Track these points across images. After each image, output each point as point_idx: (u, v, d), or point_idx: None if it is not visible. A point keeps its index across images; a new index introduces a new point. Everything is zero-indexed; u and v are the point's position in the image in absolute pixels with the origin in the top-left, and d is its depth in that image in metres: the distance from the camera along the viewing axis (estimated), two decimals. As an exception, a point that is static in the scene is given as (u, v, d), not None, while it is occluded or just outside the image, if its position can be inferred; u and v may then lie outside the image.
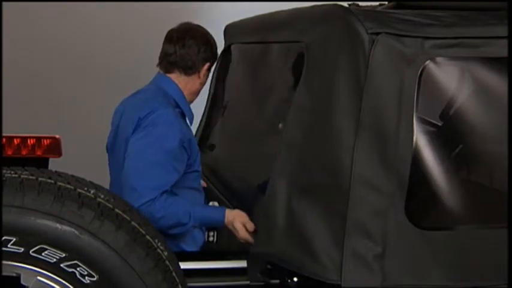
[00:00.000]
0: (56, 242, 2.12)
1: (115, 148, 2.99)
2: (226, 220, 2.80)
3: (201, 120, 3.66)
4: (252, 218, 2.75)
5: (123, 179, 2.77)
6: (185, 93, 2.99)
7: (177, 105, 2.95)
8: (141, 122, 2.82)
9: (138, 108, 2.88)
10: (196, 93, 3.05)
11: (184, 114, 2.98)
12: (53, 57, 4.36)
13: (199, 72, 2.99)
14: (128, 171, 2.77)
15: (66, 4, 4.31)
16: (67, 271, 2.14)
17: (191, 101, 3.04)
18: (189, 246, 2.92)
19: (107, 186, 2.33)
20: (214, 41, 3.05)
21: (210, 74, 3.10)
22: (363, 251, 2.33)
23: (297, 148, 2.49)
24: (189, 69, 2.97)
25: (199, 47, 2.97)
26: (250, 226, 2.75)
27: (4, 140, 2.60)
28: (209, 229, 3.29)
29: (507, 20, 2.43)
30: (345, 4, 2.58)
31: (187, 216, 2.77)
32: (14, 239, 2.11)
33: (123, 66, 4.34)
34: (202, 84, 3.04)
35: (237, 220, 2.77)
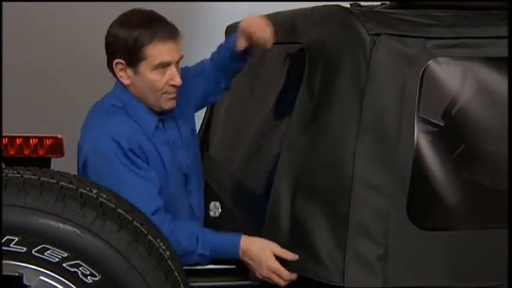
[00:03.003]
0: (59, 242, 2.12)
1: None
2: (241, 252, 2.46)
3: (202, 123, 3.66)
4: (256, 222, 2.72)
5: None
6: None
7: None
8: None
9: None
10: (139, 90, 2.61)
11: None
12: (54, 58, 4.36)
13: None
14: None
15: (66, 4, 4.31)
16: (69, 271, 2.14)
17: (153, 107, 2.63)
18: None
19: (108, 185, 2.33)
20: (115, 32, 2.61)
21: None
22: (365, 253, 2.33)
23: (299, 150, 2.49)
24: None
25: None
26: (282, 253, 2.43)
27: (6, 139, 2.60)
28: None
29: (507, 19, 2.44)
30: (347, 4, 2.58)
31: (193, 242, 2.46)
32: (17, 239, 2.11)
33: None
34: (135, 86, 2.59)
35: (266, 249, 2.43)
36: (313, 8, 2.66)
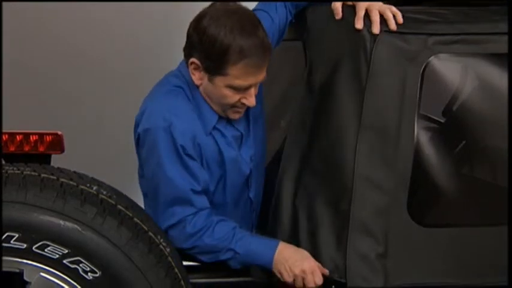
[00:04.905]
0: (59, 238, 2.12)
1: None
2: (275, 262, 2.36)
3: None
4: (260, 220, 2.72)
5: None
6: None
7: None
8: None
9: None
10: (208, 95, 2.40)
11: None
12: (54, 56, 4.35)
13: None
14: None
15: (66, 4, 4.30)
16: (70, 267, 2.14)
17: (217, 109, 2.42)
18: None
19: (108, 182, 2.33)
20: (193, 30, 2.33)
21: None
22: (366, 251, 2.32)
23: (300, 147, 2.48)
24: None
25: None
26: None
27: (6, 136, 2.60)
28: None
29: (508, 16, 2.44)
30: (347, 2, 2.58)
31: (228, 237, 2.37)
32: (17, 235, 2.11)
33: (125, 65, 4.34)
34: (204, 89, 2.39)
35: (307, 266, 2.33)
36: (313, 7, 2.66)
